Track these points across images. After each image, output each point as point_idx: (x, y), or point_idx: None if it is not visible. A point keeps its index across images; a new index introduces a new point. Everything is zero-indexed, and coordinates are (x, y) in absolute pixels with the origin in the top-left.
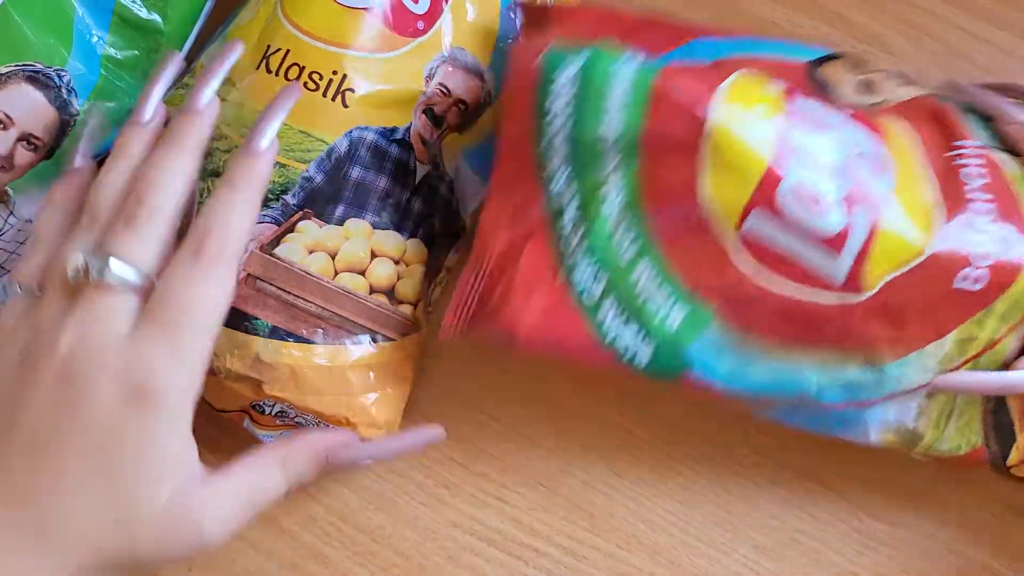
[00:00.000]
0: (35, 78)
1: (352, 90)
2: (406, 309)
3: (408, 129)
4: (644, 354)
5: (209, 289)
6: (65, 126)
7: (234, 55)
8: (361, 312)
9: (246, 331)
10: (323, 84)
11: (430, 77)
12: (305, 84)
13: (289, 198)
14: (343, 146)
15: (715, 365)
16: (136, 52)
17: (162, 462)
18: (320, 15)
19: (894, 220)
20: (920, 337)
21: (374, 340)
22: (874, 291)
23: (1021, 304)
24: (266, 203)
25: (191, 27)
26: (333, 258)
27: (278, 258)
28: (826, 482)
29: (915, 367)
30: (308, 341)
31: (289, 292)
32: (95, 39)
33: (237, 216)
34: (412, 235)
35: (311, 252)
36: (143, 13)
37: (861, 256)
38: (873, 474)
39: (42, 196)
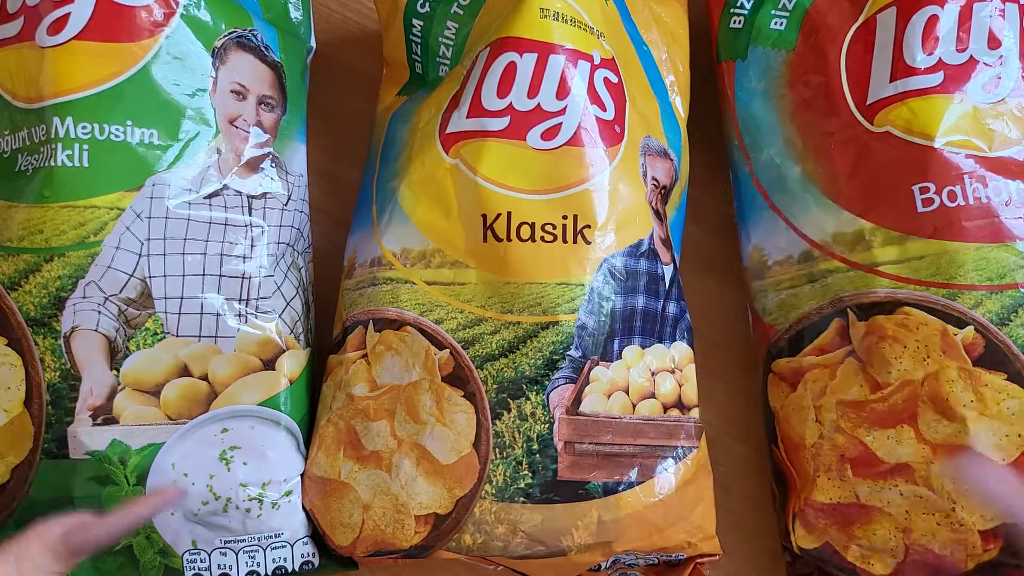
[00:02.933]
0: (242, 43)
1: (589, 225)
2: (696, 412)
3: (652, 237)
4: None
5: None
6: (280, 79)
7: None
8: (664, 433)
9: (581, 499)
10: (559, 231)
11: (644, 176)
12: (542, 238)
13: (573, 352)
14: (600, 282)
15: None
16: None
17: None
18: (526, 168)
19: None
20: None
21: (684, 455)
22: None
23: None
24: (554, 365)
25: None
26: (627, 392)
27: (585, 415)
28: None
29: None
30: (636, 483)
31: (604, 443)
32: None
33: None
34: (673, 339)
35: (609, 396)
36: None
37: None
38: None
39: (296, 149)
